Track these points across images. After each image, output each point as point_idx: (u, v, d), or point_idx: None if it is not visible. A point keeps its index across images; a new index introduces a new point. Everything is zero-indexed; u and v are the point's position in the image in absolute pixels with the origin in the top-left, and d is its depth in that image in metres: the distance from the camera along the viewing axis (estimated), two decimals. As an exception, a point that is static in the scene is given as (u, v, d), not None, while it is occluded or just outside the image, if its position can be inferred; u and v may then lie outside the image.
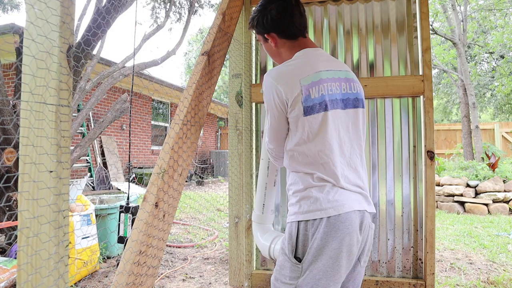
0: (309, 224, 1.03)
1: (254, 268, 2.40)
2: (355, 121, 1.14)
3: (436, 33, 9.55)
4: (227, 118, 14.87)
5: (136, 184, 8.32)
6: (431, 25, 10.04)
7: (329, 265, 0.99)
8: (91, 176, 7.32)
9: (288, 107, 1.07)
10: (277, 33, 1.21)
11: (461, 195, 5.52)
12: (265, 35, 1.23)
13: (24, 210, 0.78)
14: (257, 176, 2.41)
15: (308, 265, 1.00)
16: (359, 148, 1.16)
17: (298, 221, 1.05)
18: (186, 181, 9.50)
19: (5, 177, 2.72)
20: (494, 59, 13.54)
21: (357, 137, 1.15)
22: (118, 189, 7.12)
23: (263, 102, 2.50)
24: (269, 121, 1.15)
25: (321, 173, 1.07)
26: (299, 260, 1.03)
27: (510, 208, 5.27)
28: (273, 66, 1.33)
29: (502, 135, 10.94)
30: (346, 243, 1.00)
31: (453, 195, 5.59)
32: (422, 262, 2.14)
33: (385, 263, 2.19)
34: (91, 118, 7.67)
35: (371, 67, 2.29)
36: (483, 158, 7.49)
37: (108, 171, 7.69)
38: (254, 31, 1.31)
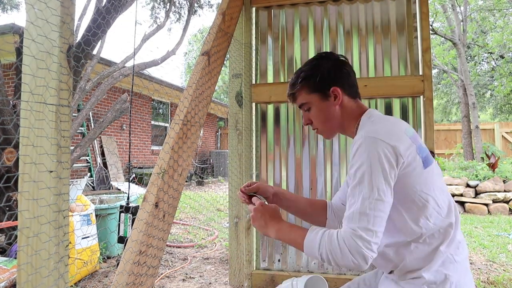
0: None
1: (254, 268, 2.40)
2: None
3: (436, 33, 9.55)
4: (227, 118, 14.87)
5: (136, 184, 8.32)
6: (431, 25, 10.04)
7: None
8: (91, 176, 7.32)
9: (402, 167, 0.89)
10: (342, 88, 1.02)
11: (461, 195, 5.52)
12: (329, 91, 1.01)
13: (24, 210, 0.78)
14: (257, 176, 2.41)
15: None
16: None
17: None
18: (186, 181, 9.50)
19: (5, 177, 2.72)
20: (493, 59, 13.55)
21: None
22: (118, 189, 7.11)
23: (263, 102, 2.50)
24: (371, 192, 0.85)
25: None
26: None
27: (510, 208, 5.27)
28: (323, 126, 1.07)
29: (502, 135, 10.94)
30: None
31: (453, 195, 5.59)
32: (422, 262, 2.14)
33: (385, 263, 2.19)
34: (91, 118, 7.67)
35: (371, 67, 2.29)
36: (483, 158, 7.49)
37: (108, 171, 7.69)
38: (297, 95, 1.05)
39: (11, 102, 2.92)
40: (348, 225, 0.85)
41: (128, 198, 2.72)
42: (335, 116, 1.04)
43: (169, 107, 11.10)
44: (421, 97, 2.15)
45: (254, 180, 2.39)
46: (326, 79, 1.02)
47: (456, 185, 5.60)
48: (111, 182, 7.52)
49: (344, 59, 1.06)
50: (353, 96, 1.05)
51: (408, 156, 0.89)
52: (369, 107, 1.12)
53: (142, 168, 9.22)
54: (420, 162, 0.91)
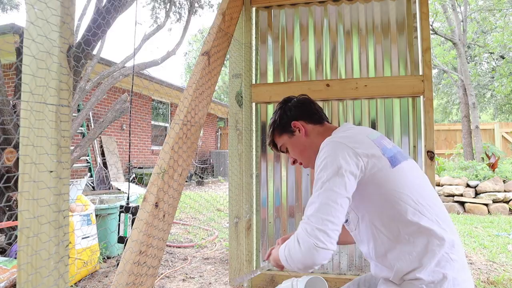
0: None
1: (254, 268, 2.40)
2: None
3: (436, 33, 9.55)
4: (227, 118, 14.87)
5: (136, 184, 8.32)
6: (431, 25, 10.03)
7: None
8: (91, 176, 7.32)
9: (364, 169, 0.93)
10: (304, 119, 1.16)
11: (461, 195, 5.52)
12: (291, 127, 1.16)
13: (24, 210, 0.78)
14: (257, 176, 2.42)
15: None
16: None
17: None
18: (186, 181, 9.50)
19: (5, 177, 2.72)
20: (494, 59, 13.54)
21: None
22: (118, 189, 7.12)
23: (263, 102, 2.49)
24: (332, 191, 0.89)
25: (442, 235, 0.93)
26: None
27: (510, 208, 5.27)
28: (304, 153, 1.19)
29: (502, 135, 10.94)
30: None
31: (453, 195, 5.59)
32: (422, 262, 2.14)
33: (385, 263, 2.19)
34: (91, 118, 7.67)
35: (371, 67, 2.29)
36: (483, 158, 7.49)
37: (108, 171, 7.69)
38: (275, 141, 1.22)
39: (11, 102, 2.92)
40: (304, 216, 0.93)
41: (128, 198, 2.73)
42: (306, 145, 1.16)
43: (169, 107, 11.11)
44: (421, 97, 2.15)
45: (254, 180, 2.39)
46: (285, 119, 1.18)
47: (456, 185, 5.60)
48: (111, 182, 7.52)
49: (304, 96, 1.23)
50: (318, 122, 1.17)
51: (371, 157, 0.94)
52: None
53: (142, 168, 9.22)
54: (386, 162, 0.95)
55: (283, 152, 1.23)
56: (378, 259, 1.00)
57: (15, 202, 2.80)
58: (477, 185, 5.48)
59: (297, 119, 1.16)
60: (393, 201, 0.93)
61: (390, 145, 1.02)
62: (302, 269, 0.90)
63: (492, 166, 5.85)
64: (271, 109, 2.43)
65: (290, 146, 1.19)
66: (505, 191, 5.37)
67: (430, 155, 2.05)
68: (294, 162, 1.22)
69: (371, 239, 0.99)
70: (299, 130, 1.15)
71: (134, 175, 8.54)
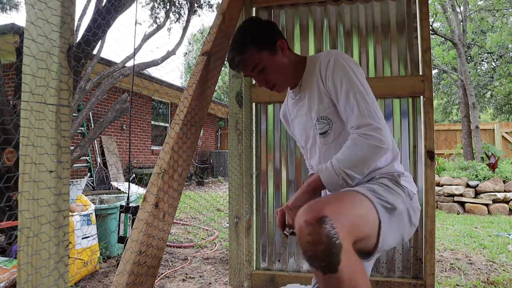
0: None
1: (254, 268, 2.40)
2: None
3: (436, 33, 9.55)
4: (227, 118, 14.87)
5: (136, 184, 8.32)
6: (431, 25, 10.03)
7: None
8: (91, 176, 7.32)
9: None
10: (285, 40, 1.14)
11: (461, 195, 5.52)
12: (275, 45, 1.11)
13: (24, 210, 0.78)
14: (257, 176, 2.42)
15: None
16: None
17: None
18: (186, 181, 9.50)
19: (5, 177, 2.72)
20: (493, 59, 13.53)
21: None
22: (118, 189, 7.11)
23: (263, 102, 2.49)
24: (370, 92, 1.08)
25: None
26: None
27: (510, 208, 5.27)
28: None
29: (502, 135, 10.93)
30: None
31: (453, 195, 5.59)
32: (422, 262, 2.14)
33: (385, 263, 2.19)
34: (91, 118, 7.67)
35: (371, 67, 2.29)
36: (483, 158, 7.49)
37: (108, 171, 7.69)
38: (248, 59, 1.10)
39: (11, 102, 2.91)
40: (356, 126, 1.01)
41: (128, 198, 2.73)
42: (286, 68, 1.14)
43: (169, 107, 11.11)
44: (421, 97, 2.15)
45: (254, 180, 2.39)
46: (269, 35, 1.11)
47: (456, 185, 5.60)
48: (111, 182, 7.52)
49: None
50: (290, 48, 1.17)
51: None
52: None
53: (142, 168, 9.22)
54: None
55: (252, 73, 1.14)
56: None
57: (15, 202, 2.80)
58: (477, 185, 5.48)
59: (281, 38, 1.13)
60: None
61: None
62: (358, 171, 0.97)
63: (492, 166, 5.84)
64: (271, 109, 2.43)
65: (268, 65, 1.11)
66: (505, 191, 5.37)
67: (430, 155, 2.05)
68: (262, 84, 1.16)
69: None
70: (282, 50, 1.12)
71: (134, 175, 8.54)
